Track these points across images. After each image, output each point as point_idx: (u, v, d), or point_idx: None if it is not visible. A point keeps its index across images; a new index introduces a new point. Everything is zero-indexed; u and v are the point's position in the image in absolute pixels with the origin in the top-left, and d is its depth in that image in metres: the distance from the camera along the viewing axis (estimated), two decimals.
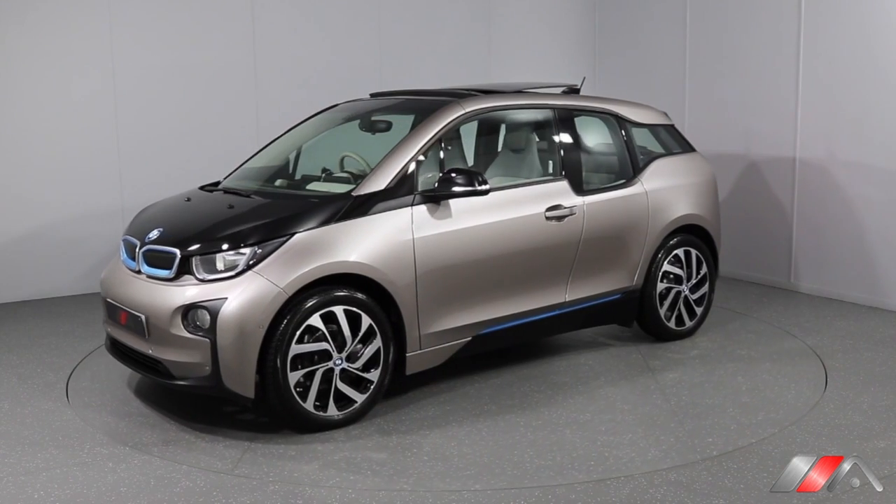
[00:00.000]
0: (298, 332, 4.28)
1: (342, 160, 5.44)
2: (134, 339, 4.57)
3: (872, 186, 6.77)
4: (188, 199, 5.11)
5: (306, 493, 3.79)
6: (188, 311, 4.27)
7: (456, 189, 4.73)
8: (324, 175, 5.37)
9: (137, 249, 4.69)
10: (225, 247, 4.34)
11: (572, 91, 6.06)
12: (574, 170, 5.42)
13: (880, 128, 6.66)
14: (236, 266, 4.30)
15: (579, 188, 5.40)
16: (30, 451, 4.23)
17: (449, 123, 4.99)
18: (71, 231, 7.34)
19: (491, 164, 5.68)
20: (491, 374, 5.31)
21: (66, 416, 4.70)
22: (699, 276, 6.02)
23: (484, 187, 4.76)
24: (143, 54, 7.43)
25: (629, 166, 5.78)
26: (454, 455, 4.17)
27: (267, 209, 4.67)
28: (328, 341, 4.36)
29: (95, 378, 5.31)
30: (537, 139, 5.63)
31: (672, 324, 5.93)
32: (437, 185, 4.76)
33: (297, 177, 5.47)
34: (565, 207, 5.26)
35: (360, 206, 4.56)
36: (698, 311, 6.05)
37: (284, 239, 4.35)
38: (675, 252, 5.87)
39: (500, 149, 5.78)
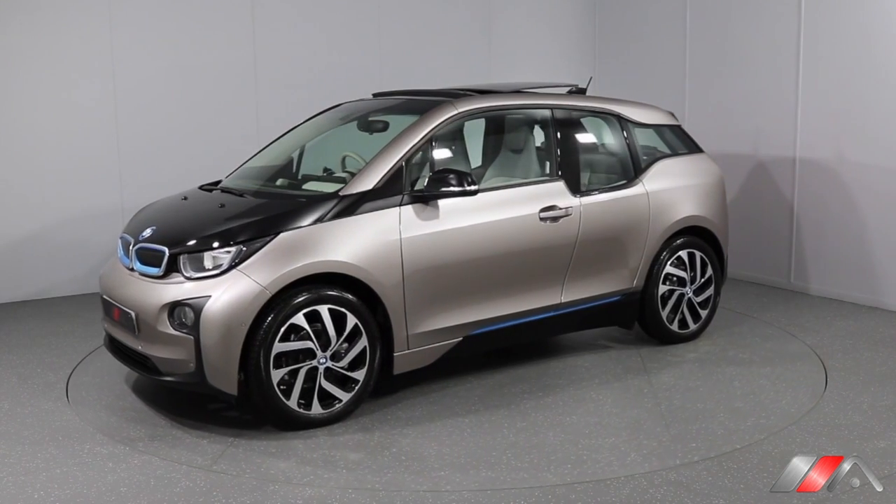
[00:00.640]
0: (282, 331, 4.32)
1: (343, 160, 5.47)
2: (126, 336, 4.66)
3: (873, 186, 6.67)
4: (185, 199, 5.18)
5: (276, 490, 3.82)
6: (174, 309, 4.34)
7: (444, 189, 4.73)
8: (325, 175, 5.40)
9: (131, 247, 4.78)
10: (212, 245, 4.40)
11: (579, 91, 6.01)
12: (571, 170, 5.38)
13: (880, 127, 6.55)
14: (222, 265, 4.36)
15: (576, 189, 5.36)
16: (30, 451, 4.26)
17: (441, 123, 4.98)
18: (71, 231, 7.34)
19: (487, 165, 5.66)
20: (485, 374, 5.29)
21: (66, 416, 4.73)
22: (703, 279, 5.92)
23: (473, 188, 4.75)
24: (143, 54, 7.44)
25: (630, 167, 5.71)
26: (431, 455, 4.17)
27: (256, 209, 4.71)
28: (312, 340, 4.39)
29: (95, 378, 5.35)
30: (533, 140, 5.59)
31: (675, 327, 5.83)
32: (425, 185, 4.77)
33: (300, 176, 5.50)
34: (560, 208, 5.22)
35: (347, 206, 4.58)
36: (703, 313, 5.94)
37: (269, 238, 4.39)
38: (679, 254, 5.79)
39: (496, 149, 5.75)
